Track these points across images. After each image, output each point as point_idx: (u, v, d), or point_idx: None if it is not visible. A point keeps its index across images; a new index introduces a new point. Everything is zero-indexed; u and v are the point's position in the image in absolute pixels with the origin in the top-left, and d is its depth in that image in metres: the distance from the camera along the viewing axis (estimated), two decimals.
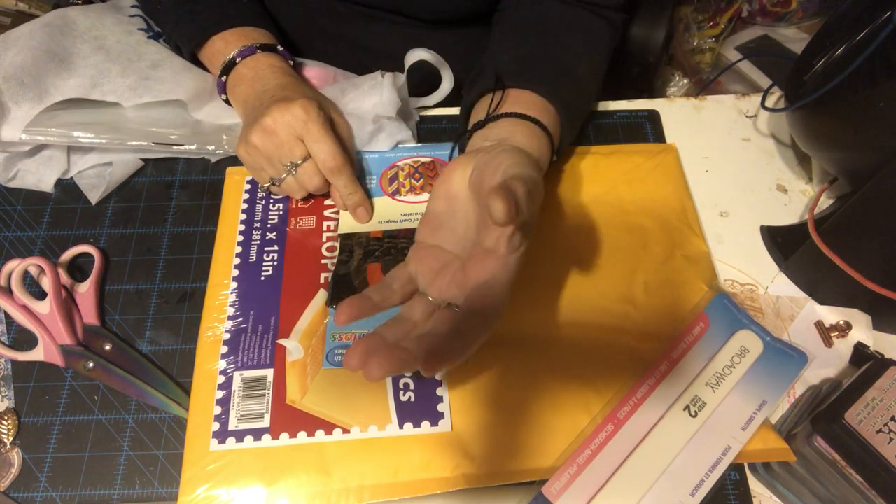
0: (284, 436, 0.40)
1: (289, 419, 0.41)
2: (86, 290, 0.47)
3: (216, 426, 0.41)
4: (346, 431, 0.40)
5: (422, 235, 0.40)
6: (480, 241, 0.35)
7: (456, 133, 0.57)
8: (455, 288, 0.36)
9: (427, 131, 0.57)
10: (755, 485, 0.41)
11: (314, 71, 0.56)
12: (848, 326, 0.46)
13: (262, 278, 0.47)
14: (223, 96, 0.52)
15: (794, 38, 1.08)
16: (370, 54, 0.62)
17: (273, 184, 0.47)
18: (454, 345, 0.32)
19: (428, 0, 0.57)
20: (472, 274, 0.35)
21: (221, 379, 0.42)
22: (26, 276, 0.48)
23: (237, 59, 0.50)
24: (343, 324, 0.35)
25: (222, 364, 0.43)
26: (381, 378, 0.31)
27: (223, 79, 0.51)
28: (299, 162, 0.45)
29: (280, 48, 0.52)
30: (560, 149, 0.47)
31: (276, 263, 0.48)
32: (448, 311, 0.36)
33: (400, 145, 0.53)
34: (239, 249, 0.48)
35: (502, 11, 0.56)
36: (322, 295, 0.46)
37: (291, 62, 0.53)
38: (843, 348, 0.45)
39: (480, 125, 0.45)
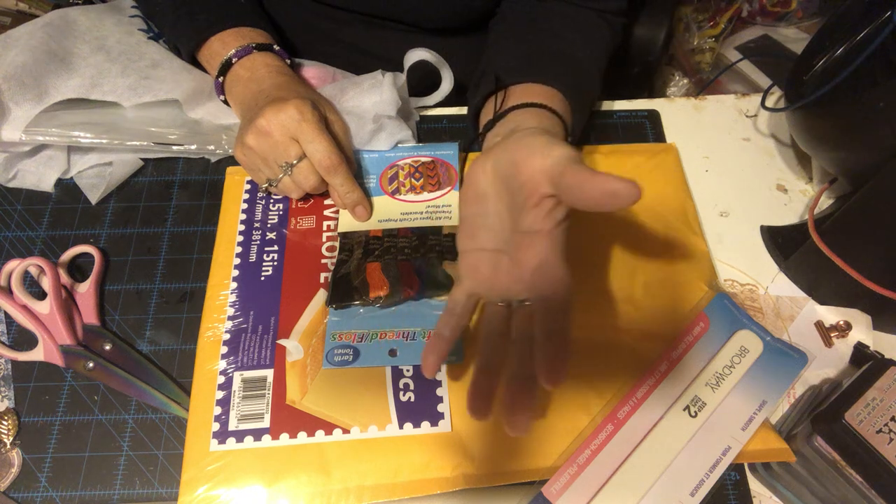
0: (284, 436, 0.40)
1: (289, 419, 0.41)
2: (86, 290, 0.47)
3: (216, 426, 0.41)
4: (346, 431, 0.40)
5: (462, 244, 0.40)
6: (518, 226, 0.35)
7: (453, 132, 0.57)
8: (515, 283, 0.36)
9: (427, 131, 0.57)
10: (755, 485, 0.41)
11: (313, 70, 0.56)
12: (848, 326, 0.46)
13: (262, 278, 0.47)
14: (221, 97, 0.52)
15: (794, 38, 1.08)
16: (370, 58, 0.62)
17: (270, 184, 0.47)
18: (554, 348, 0.32)
19: (427, 10, 0.57)
20: (524, 261, 0.35)
21: (221, 379, 0.42)
22: (26, 276, 0.48)
23: (234, 60, 0.49)
24: (434, 374, 0.36)
25: (222, 364, 0.43)
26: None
27: (220, 80, 0.50)
28: (294, 162, 0.45)
29: (276, 47, 0.52)
30: (574, 132, 0.47)
31: (276, 263, 0.48)
32: (524, 309, 0.36)
33: (400, 145, 0.53)
34: (239, 249, 0.48)
35: (500, 14, 0.57)
36: (322, 295, 0.46)
37: (288, 61, 0.53)
38: (843, 348, 0.45)
39: (490, 126, 0.45)
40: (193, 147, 0.53)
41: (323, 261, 0.48)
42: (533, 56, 0.49)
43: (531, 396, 0.32)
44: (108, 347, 0.45)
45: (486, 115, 0.47)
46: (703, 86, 1.06)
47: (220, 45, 0.50)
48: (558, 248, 0.35)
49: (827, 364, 0.45)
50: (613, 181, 0.30)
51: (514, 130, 0.40)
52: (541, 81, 0.46)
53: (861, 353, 0.44)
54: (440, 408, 0.41)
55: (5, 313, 0.47)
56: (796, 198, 0.53)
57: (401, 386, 0.42)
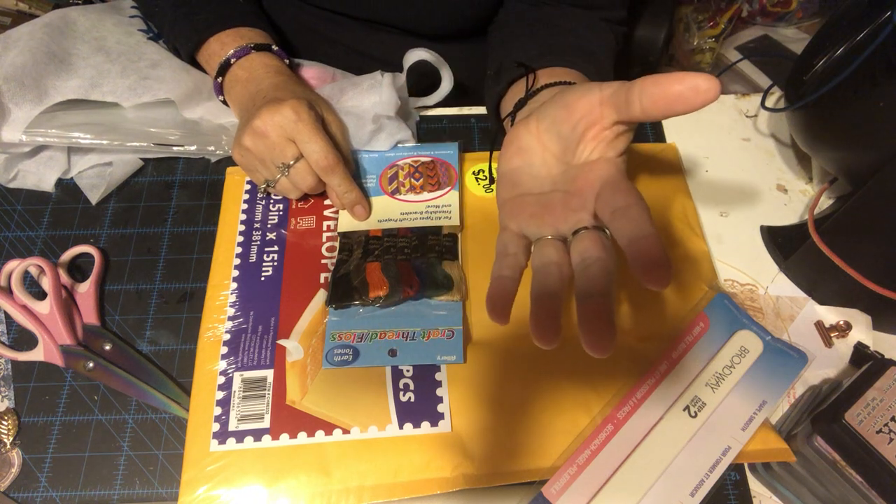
0: (284, 436, 0.40)
1: (289, 420, 0.41)
2: (86, 290, 0.47)
3: (216, 427, 0.41)
4: (346, 432, 0.40)
5: (503, 195, 0.38)
6: (577, 158, 0.34)
7: (453, 132, 0.57)
8: (574, 212, 0.33)
9: (427, 131, 0.57)
10: (755, 485, 0.41)
11: (313, 70, 0.56)
12: (848, 326, 0.46)
13: (262, 278, 0.47)
14: (221, 98, 0.52)
15: (794, 38, 1.08)
16: (369, 60, 0.62)
17: (268, 185, 0.48)
18: (651, 248, 0.27)
19: (424, 16, 0.57)
20: (584, 186, 0.32)
21: (221, 379, 0.42)
22: (26, 276, 0.48)
23: (232, 60, 0.49)
24: (508, 319, 0.31)
25: (222, 364, 0.43)
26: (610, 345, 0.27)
27: (219, 80, 0.50)
28: (291, 163, 0.45)
29: (275, 47, 0.52)
30: None
31: (276, 263, 0.48)
32: (585, 234, 0.32)
33: (400, 145, 0.53)
34: (239, 249, 0.48)
35: (499, 21, 0.57)
36: (322, 295, 0.46)
37: (287, 61, 0.53)
38: (843, 348, 0.45)
39: (522, 104, 0.44)
40: (193, 148, 0.53)
41: (323, 261, 0.48)
42: (553, 46, 0.49)
43: (611, 313, 0.28)
44: (108, 347, 0.45)
45: (510, 102, 0.47)
46: None
47: (219, 46, 0.50)
48: (623, 172, 0.32)
49: (827, 364, 0.45)
50: (694, 75, 0.27)
51: (545, 101, 0.38)
52: (567, 66, 0.46)
53: (861, 353, 0.44)
54: (440, 408, 0.41)
55: (5, 313, 0.47)
56: (796, 198, 0.53)
57: (401, 386, 0.42)
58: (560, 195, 0.35)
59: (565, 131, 0.34)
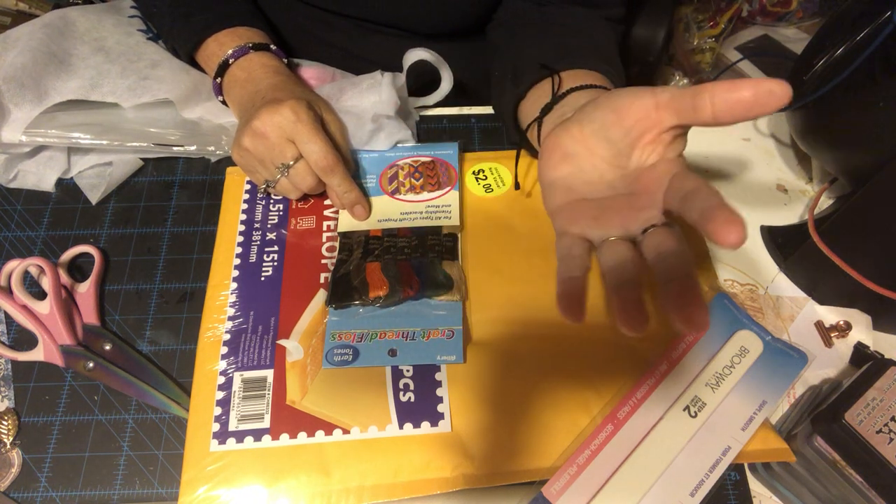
0: (284, 436, 0.40)
1: (289, 420, 0.41)
2: (86, 290, 0.47)
3: (216, 427, 0.41)
4: (346, 432, 0.40)
5: (556, 202, 0.37)
6: (634, 163, 0.34)
7: (453, 132, 0.57)
8: (640, 211, 0.33)
9: (427, 131, 0.57)
10: (755, 485, 0.41)
11: (312, 70, 0.56)
12: (848, 326, 0.46)
13: (262, 278, 0.47)
14: (220, 98, 0.52)
15: (794, 38, 1.08)
16: (365, 62, 0.62)
17: (268, 185, 0.48)
18: (728, 209, 0.28)
19: (423, 15, 0.57)
20: (650, 185, 0.33)
21: (222, 379, 0.42)
22: (26, 276, 0.48)
23: (230, 61, 0.49)
24: (584, 317, 0.31)
25: (222, 364, 0.43)
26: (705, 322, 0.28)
27: (218, 81, 0.50)
28: (291, 163, 0.45)
29: (273, 47, 0.52)
30: None
31: (276, 264, 0.48)
32: (656, 230, 0.33)
33: (399, 145, 0.53)
34: (239, 250, 0.48)
35: (499, 19, 0.56)
36: (322, 295, 0.46)
37: (286, 60, 0.53)
38: (843, 348, 0.45)
39: (548, 108, 0.43)
40: (193, 148, 0.53)
41: (323, 261, 0.48)
42: (569, 48, 0.48)
43: (698, 288, 0.29)
44: (108, 347, 0.45)
45: (530, 104, 0.46)
46: None
47: (217, 46, 0.50)
48: (687, 167, 0.33)
49: (827, 364, 0.45)
50: (767, 81, 0.27)
51: (584, 106, 0.37)
52: (588, 68, 0.45)
53: (861, 353, 0.44)
54: (440, 408, 0.41)
55: (5, 313, 0.47)
56: (796, 198, 0.53)
57: (401, 386, 0.42)
58: (623, 198, 0.35)
59: (615, 136, 0.34)
